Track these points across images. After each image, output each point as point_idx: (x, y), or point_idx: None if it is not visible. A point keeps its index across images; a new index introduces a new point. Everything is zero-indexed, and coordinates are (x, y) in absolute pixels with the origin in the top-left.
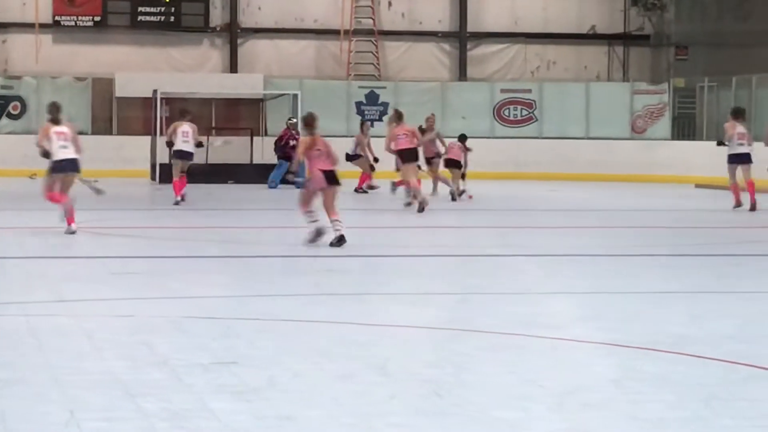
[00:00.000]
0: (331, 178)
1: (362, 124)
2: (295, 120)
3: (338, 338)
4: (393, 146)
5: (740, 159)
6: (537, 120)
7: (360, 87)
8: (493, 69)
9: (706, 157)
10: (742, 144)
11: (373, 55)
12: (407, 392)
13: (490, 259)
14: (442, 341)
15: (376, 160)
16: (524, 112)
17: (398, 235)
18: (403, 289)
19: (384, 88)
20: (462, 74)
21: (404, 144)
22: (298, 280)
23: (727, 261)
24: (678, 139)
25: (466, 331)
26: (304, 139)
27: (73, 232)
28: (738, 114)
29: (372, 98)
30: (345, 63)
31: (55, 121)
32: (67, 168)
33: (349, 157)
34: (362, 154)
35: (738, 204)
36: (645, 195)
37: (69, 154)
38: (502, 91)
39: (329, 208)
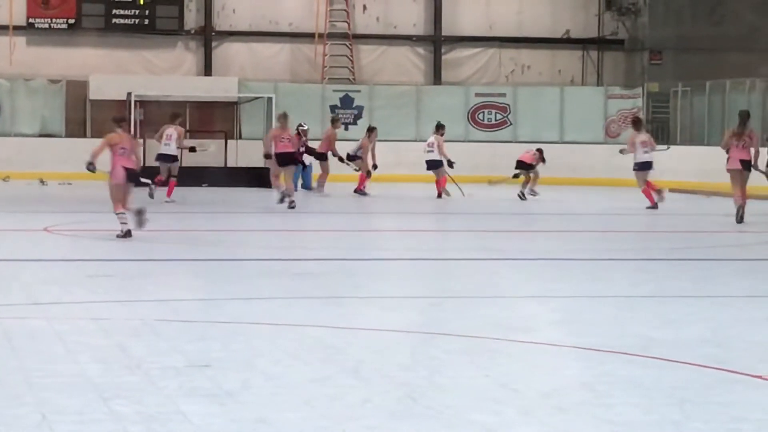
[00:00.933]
0: (131, 176)
1: (370, 130)
2: (306, 127)
3: (312, 341)
4: (273, 147)
5: (646, 166)
6: (511, 124)
7: (334, 90)
8: (468, 73)
9: (680, 161)
10: (646, 152)
11: (348, 58)
12: (381, 395)
13: (465, 262)
14: (417, 344)
15: (374, 167)
16: (498, 116)
17: (373, 238)
18: (378, 292)
19: (358, 91)
20: (437, 78)
21: (283, 148)
22: (272, 283)
23: (703, 265)
24: None
25: (440, 334)
26: (111, 135)
27: None
28: (638, 124)
29: (347, 102)
30: (320, 66)
31: None
32: None
33: (349, 157)
34: (363, 157)
35: (655, 204)
36: (619, 199)
37: None
38: (477, 95)
39: (123, 200)
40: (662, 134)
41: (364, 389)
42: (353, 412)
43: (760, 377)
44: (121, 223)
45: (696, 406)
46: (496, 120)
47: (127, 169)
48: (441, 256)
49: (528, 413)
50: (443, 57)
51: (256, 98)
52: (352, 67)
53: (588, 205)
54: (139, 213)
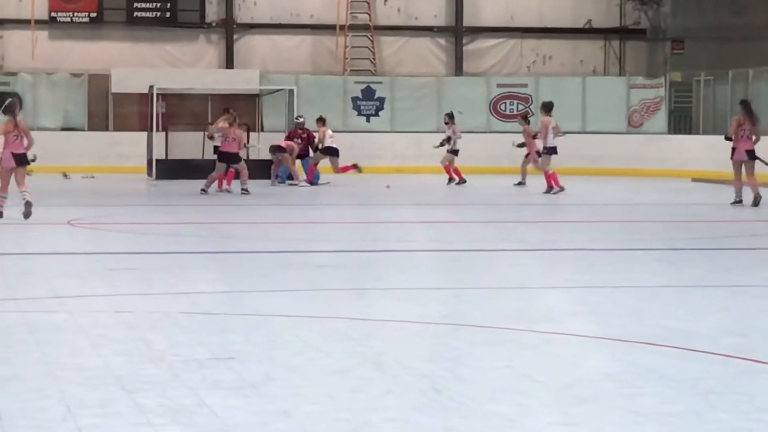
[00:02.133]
0: (20, 160)
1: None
2: (302, 119)
3: (333, 333)
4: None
5: (553, 150)
6: (533, 114)
7: (356, 82)
8: (489, 64)
9: (702, 150)
10: (555, 137)
11: (369, 50)
12: (403, 387)
13: (486, 253)
14: (438, 336)
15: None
16: (520, 107)
17: (393, 230)
18: (399, 284)
19: (380, 83)
20: (458, 69)
21: (227, 147)
22: (292, 275)
23: (724, 255)
24: (674, 133)
25: (462, 325)
26: (5, 123)
27: None
28: (549, 108)
29: (368, 93)
30: (341, 58)
31: None
32: None
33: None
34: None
35: (561, 188)
36: (641, 189)
37: None
38: (499, 85)
39: (19, 182)
40: (685, 123)
41: (385, 381)
42: (375, 404)
43: None
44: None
45: (720, 397)
46: (518, 110)
47: (15, 155)
48: (462, 247)
49: (550, 404)
50: (464, 48)
51: (278, 90)
52: (374, 59)
53: (609, 195)
54: (27, 205)
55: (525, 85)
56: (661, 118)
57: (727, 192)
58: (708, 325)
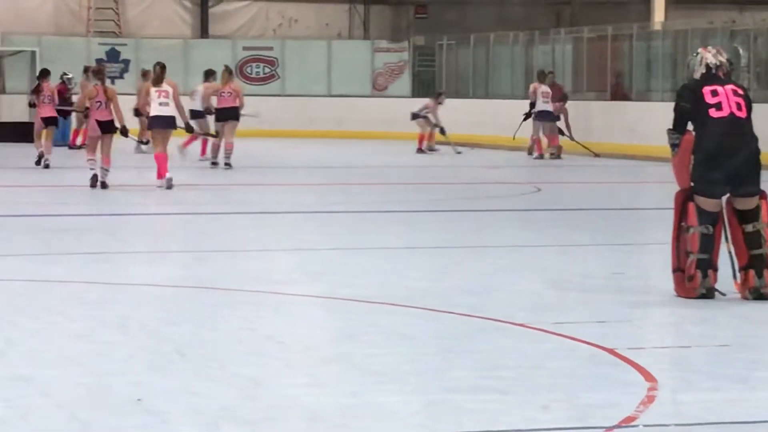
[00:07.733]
0: (106, 127)
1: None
2: (71, 75)
3: (75, 297)
4: (216, 102)
5: (545, 115)
6: (279, 77)
7: (100, 44)
8: (236, 26)
9: (445, 114)
10: (546, 102)
11: (114, 11)
12: (146, 350)
13: (225, 216)
14: (181, 299)
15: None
16: (267, 70)
17: (136, 194)
18: (142, 247)
19: (125, 45)
20: (204, 32)
21: (226, 102)
22: (28, 239)
23: (465, 216)
24: (418, 96)
25: (205, 288)
26: (89, 89)
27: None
28: (541, 76)
29: (113, 55)
30: (84, 19)
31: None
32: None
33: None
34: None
35: (540, 154)
36: (385, 152)
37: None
38: (245, 48)
39: (105, 154)
40: (428, 87)
41: (128, 344)
42: (117, 368)
43: (522, 325)
44: (90, 168)
45: (457, 355)
46: (264, 73)
47: (100, 122)
48: (198, 210)
49: (294, 365)
50: (210, 10)
51: (19, 52)
52: (118, 20)
53: (354, 158)
54: (93, 178)
55: (271, 48)
56: (404, 82)
57: (469, 155)
58: (446, 285)
